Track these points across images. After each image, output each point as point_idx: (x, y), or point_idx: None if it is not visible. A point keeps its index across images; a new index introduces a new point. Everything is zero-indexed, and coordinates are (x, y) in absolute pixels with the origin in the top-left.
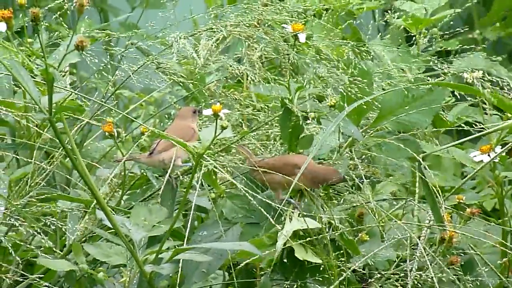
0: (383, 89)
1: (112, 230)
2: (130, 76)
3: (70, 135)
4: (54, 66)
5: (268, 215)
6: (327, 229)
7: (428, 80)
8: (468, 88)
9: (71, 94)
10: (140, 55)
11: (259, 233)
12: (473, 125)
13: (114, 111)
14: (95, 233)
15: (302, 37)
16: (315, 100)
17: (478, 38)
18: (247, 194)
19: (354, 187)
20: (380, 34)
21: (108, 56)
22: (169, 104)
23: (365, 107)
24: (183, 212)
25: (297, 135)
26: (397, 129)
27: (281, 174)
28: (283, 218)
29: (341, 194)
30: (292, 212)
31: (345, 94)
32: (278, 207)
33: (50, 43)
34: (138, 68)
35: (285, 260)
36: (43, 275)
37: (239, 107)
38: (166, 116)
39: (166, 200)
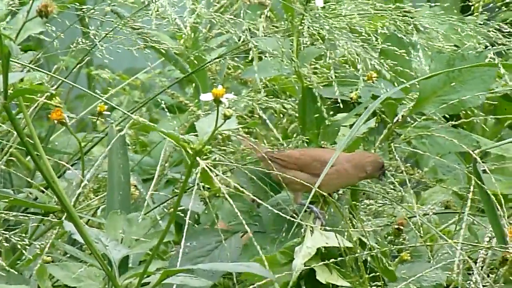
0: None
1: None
2: (96, 44)
3: (31, 125)
4: (11, 37)
5: (277, 225)
6: (356, 248)
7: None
8: None
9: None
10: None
11: (266, 246)
12: None
13: (89, 95)
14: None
15: (319, 0)
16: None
17: None
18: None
19: (394, 195)
20: (429, 1)
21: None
22: (161, 90)
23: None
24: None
25: (319, 124)
26: (445, 114)
27: (306, 173)
28: (302, 230)
29: (375, 204)
30: (314, 223)
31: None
32: (293, 217)
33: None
34: (107, 34)
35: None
36: None
37: (249, 91)
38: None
39: None
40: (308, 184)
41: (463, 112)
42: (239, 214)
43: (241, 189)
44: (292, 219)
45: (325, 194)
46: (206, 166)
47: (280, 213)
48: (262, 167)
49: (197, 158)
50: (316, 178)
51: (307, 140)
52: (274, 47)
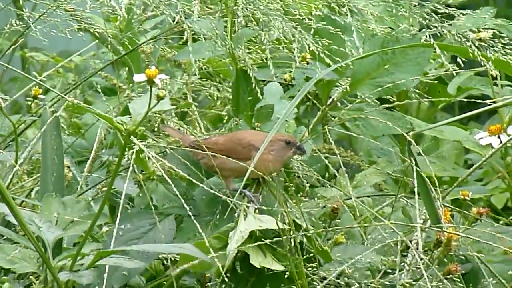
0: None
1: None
2: (30, 26)
3: None
4: None
5: (211, 208)
6: (292, 230)
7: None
8: (455, 48)
9: None
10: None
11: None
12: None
13: (23, 77)
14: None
15: None
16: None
17: None
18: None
19: (328, 178)
20: None
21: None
22: (94, 72)
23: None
24: None
25: (253, 105)
26: (379, 96)
27: (233, 158)
28: (236, 214)
29: (307, 186)
30: (247, 207)
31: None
32: (228, 200)
33: None
34: (41, 16)
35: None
36: None
37: (183, 74)
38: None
39: None
40: (236, 169)
41: (397, 94)
42: (179, 196)
43: (177, 170)
44: (226, 198)
45: (258, 177)
46: (141, 146)
47: (216, 193)
48: (194, 155)
49: (133, 139)
50: (243, 163)
51: (240, 122)
52: (208, 28)
